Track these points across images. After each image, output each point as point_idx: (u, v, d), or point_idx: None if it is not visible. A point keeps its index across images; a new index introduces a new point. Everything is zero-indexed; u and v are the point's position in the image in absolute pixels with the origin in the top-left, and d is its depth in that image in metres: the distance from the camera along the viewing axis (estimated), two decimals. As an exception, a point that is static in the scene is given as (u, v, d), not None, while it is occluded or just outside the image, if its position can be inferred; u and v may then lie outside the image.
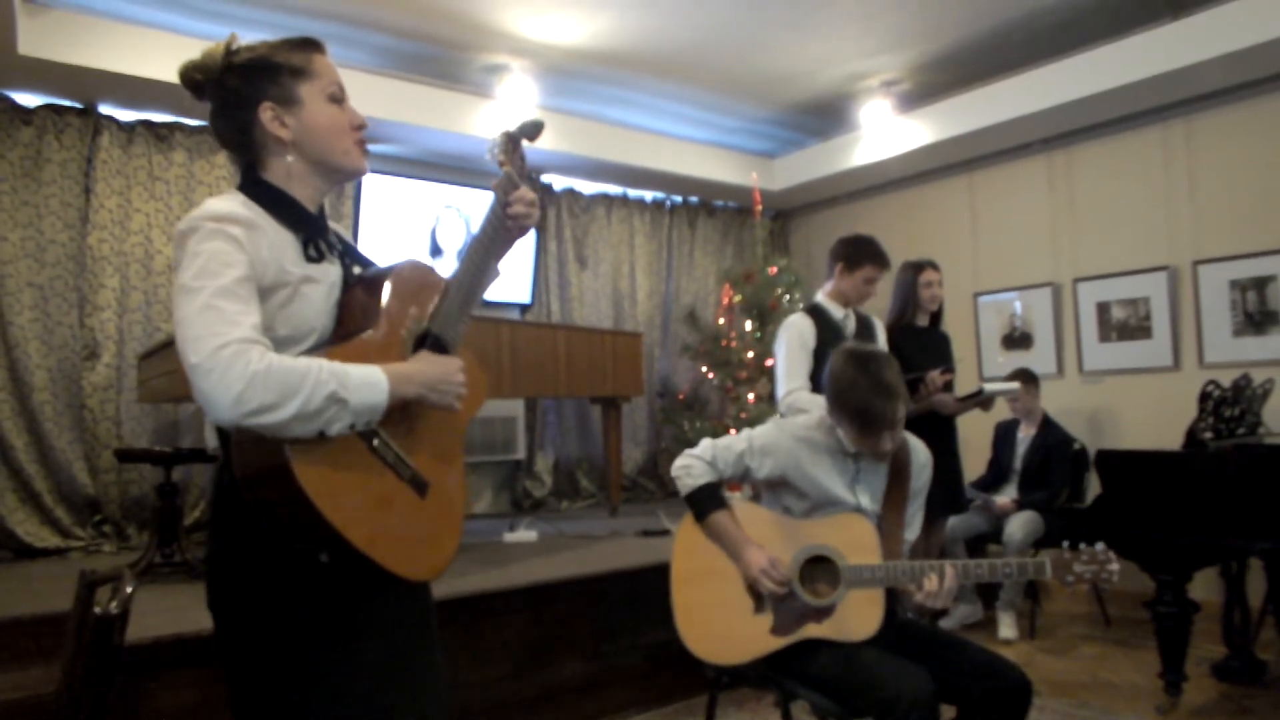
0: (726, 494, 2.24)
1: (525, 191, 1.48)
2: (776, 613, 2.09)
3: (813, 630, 2.05)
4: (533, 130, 1.52)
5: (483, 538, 4.53)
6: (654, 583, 2.45)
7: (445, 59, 5.03)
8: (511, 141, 1.51)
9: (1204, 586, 3.88)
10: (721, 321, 6.03)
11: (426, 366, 1.34)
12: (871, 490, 2.21)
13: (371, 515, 1.26)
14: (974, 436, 4.69)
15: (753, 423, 4.12)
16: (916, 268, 3.93)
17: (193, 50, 1.41)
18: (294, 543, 1.27)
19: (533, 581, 3.32)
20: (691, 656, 2.13)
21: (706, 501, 2.19)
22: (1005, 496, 4.61)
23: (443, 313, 1.42)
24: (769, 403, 5.47)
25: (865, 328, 3.52)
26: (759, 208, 6.18)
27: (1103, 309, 5.21)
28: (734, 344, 5.85)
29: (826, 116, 6.04)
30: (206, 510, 4.81)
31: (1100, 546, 1.95)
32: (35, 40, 4.05)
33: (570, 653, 3.32)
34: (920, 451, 2.26)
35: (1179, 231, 4.91)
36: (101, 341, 4.62)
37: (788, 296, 5.82)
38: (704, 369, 6.03)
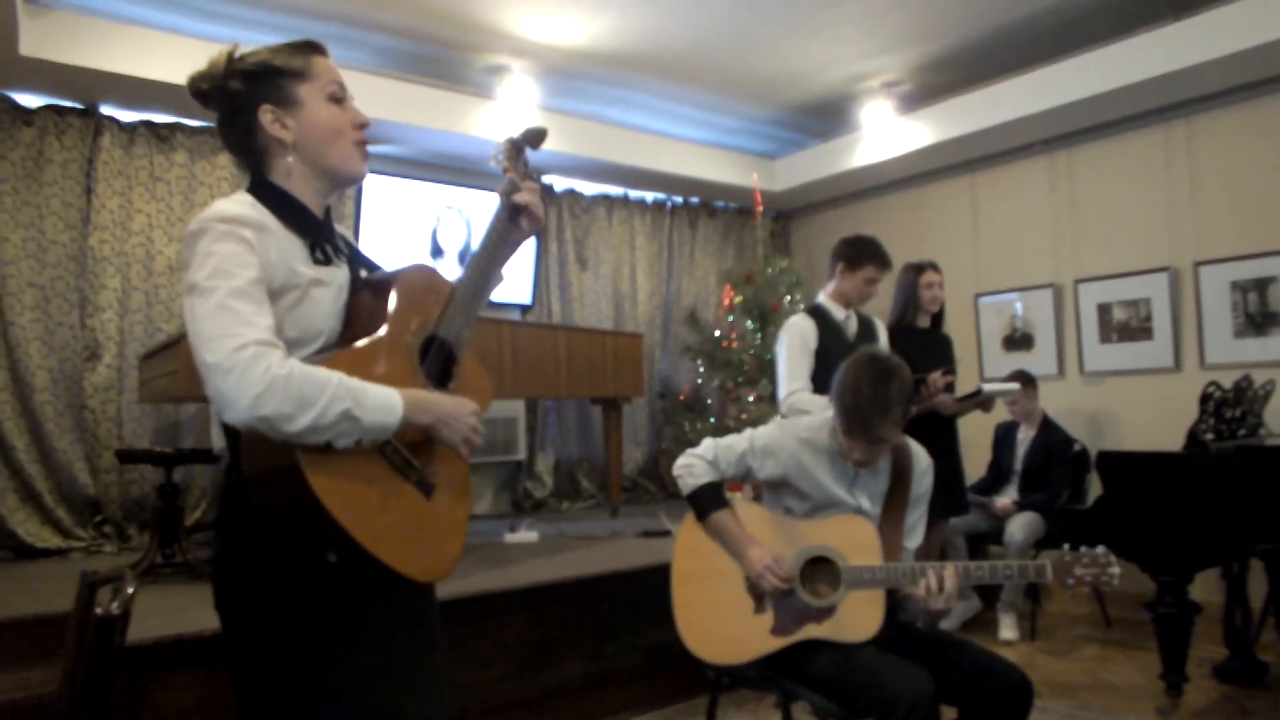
0: (728, 494, 2.25)
1: (531, 185, 1.52)
2: (777, 613, 2.09)
3: (813, 631, 2.05)
4: (536, 137, 1.57)
5: (483, 538, 4.53)
6: (655, 583, 2.46)
7: (446, 59, 5.03)
8: (515, 148, 1.55)
9: (1205, 588, 3.89)
10: (720, 330, 6.00)
11: (445, 401, 1.35)
12: (870, 493, 2.20)
13: (379, 516, 1.26)
14: (976, 437, 4.69)
15: (753, 424, 4.12)
16: (917, 269, 3.93)
17: (194, 51, 1.42)
18: (302, 543, 1.28)
19: (533, 582, 3.32)
20: (692, 657, 2.13)
21: (708, 501, 2.19)
22: (1006, 498, 4.61)
23: (448, 316, 1.43)
24: (770, 403, 5.47)
25: (867, 329, 3.52)
26: (760, 209, 6.18)
27: (1104, 310, 5.21)
28: (735, 345, 5.85)
29: (827, 117, 6.04)
30: (211, 510, 4.81)
31: (1101, 549, 1.95)
32: (37, 41, 4.05)
33: (571, 653, 3.32)
34: (921, 458, 2.26)
35: (1180, 232, 4.91)
36: (103, 342, 4.62)
37: (789, 297, 5.82)
38: (701, 368, 6.03)
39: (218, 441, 1.27)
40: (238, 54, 1.40)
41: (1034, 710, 2.00)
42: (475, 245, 1.50)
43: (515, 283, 5.91)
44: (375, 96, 4.80)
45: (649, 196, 6.78)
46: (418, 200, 5.59)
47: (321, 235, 1.41)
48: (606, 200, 6.57)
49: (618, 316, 6.53)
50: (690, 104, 5.76)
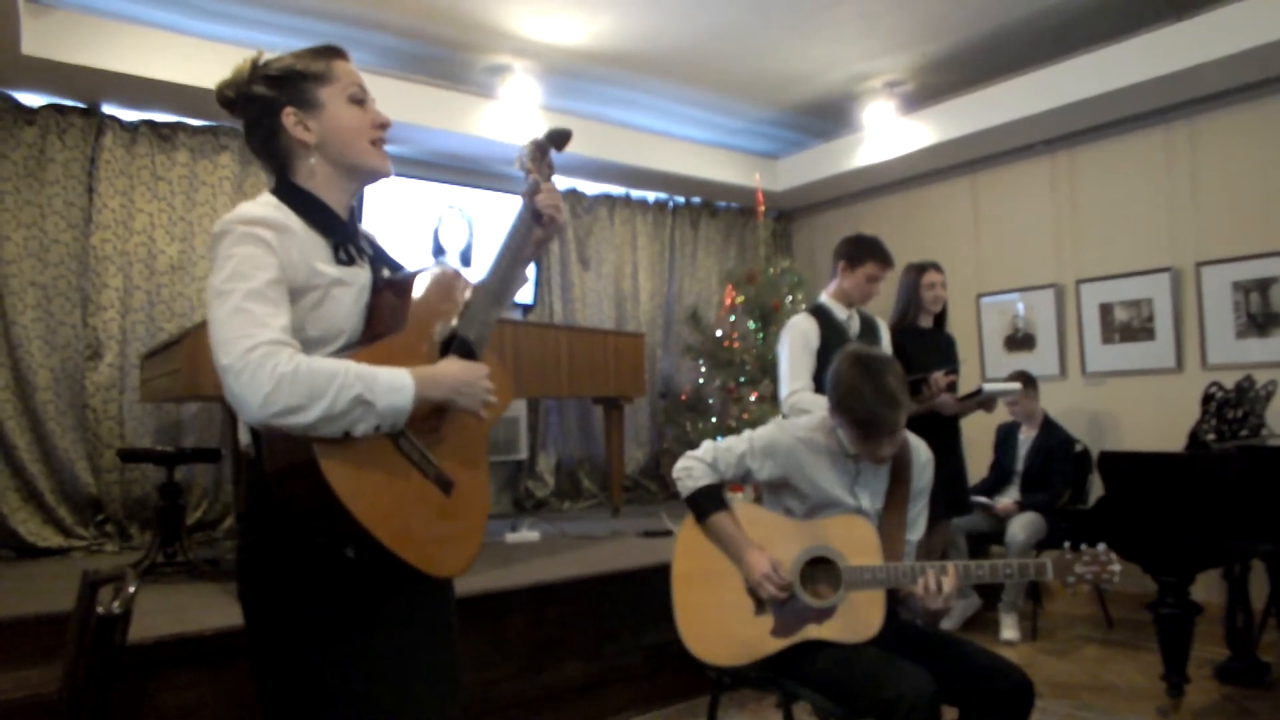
0: (728, 495, 2.24)
1: (551, 187, 1.55)
2: (777, 614, 2.09)
3: (814, 631, 2.05)
4: (560, 139, 1.58)
5: (485, 538, 4.51)
6: (655, 584, 2.45)
7: (448, 59, 5.03)
8: (539, 150, 1.57)
9: (1206, 588, 3.89)
10: (722, 330, 6.00)
11: (455, 370, 1.36)
12: (872, 492, 2.20)
13: (396, 512, 1.28)
14: (977, 437, 4.68)
15: (755, 424, 4.12)
16: (919, 269, 3.93)
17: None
18: (320, 536, 1.30)
19: (534, 582, 3.33)
20: (692, 657, 2.13)
21: (707, 503, 2.19)
22: (1007, 498, 4.60)
23: (470, 316, 1.45)
24: (772, 403, 5.47)
25: (869, 328, 3.52)
26: (762, 208, 6.19)
27: (1105, 310, 5.21)
28: (736, 345, 5.85)
29: (829, 117, 6.04)
30: (212, 509, 4.83)
31: (1101, 547, 1.95)
32: (39, 40, 4.05)
33: (572, 653, 3.32)
34: (921, 451, 2.26)
35: (1182, 233, 4.91)
36: (104, 341, 4.63)
37: (791, 297, 5.82)
38: (702, 368, 6.03)
39: (245, 438, 1.28)
40: (262, 60, 1.43)
41: (1035, 710, 1.99)
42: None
43: (516, 283, 5.91)
44: (377, 96, 4.75)
45: (651, 196, 6.78)
46: (419, 200, 5.59)
47: (345, 235, 1.42)
48: (608, 200, 6.58)
49: (619, 316, 6.53)
50: (692, 104, 5.76)
